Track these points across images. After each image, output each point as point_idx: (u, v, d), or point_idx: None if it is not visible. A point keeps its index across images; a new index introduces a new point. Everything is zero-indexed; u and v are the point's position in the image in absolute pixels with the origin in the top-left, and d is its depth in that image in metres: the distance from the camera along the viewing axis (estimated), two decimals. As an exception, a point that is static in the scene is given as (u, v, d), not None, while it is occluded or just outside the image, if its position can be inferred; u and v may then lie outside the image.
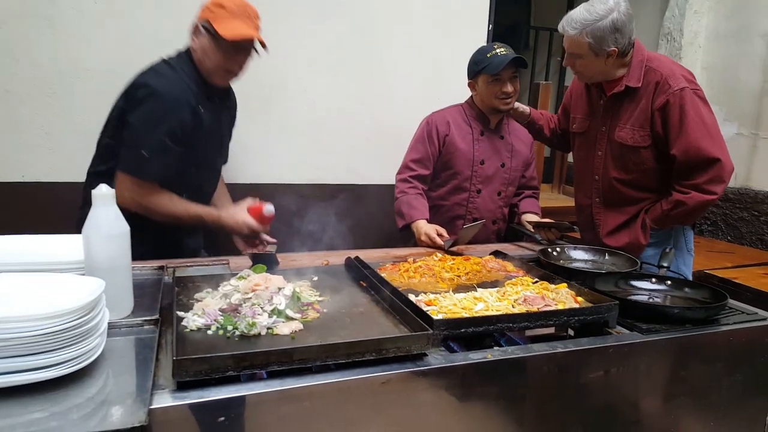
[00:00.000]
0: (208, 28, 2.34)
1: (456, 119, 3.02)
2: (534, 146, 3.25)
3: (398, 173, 3.05)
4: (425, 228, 2.77)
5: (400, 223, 2.94)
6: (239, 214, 2.43)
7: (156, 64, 2.45)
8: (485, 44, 3.03)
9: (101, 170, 2.44)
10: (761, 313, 1.96)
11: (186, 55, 2.47)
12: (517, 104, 2.97)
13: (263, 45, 2.41)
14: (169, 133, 2.31)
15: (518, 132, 3.13)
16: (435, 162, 3.02)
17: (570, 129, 2.89)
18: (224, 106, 2.65)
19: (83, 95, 3.10)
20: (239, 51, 2.39)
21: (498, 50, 2.83)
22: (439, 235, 2.70)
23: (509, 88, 2.86)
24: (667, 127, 2.46)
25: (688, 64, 4.45)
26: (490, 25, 3.96)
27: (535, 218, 3.01)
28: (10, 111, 3.00)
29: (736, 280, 3.03)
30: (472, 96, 3.04)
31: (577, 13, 2.48)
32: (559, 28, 2.57)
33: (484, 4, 3.91)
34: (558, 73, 6.09)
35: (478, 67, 2.87)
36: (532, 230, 2.90)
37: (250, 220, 2.41)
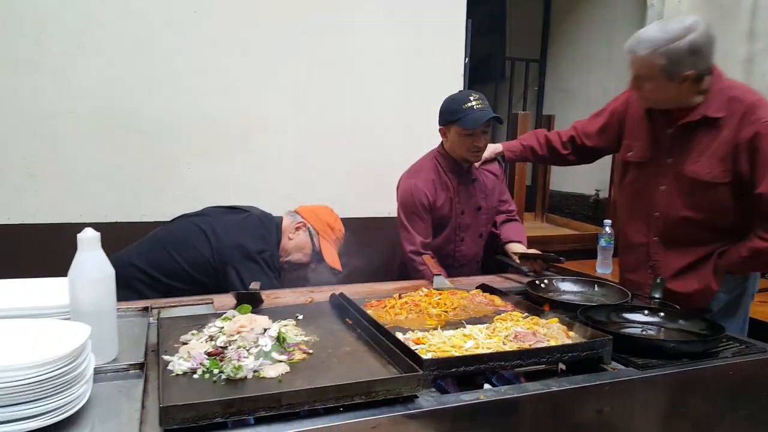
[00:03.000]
0: (313, 237, 2.87)
1: (434, 179, 2.95)
2: (502, 169, 3.23)
3: (411, 252, 2.90)
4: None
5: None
6: None
7: None
8: (459, 91, 3.01)
9: None
10: (760, 344, 1.93)
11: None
12: (485, 154, 2.96)
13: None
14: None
15: (484, 165, 3.11)
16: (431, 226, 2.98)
17: (623, 158, 2.65)
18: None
19: (68, 138, 3.10)
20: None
21: (474, 103, 2.77)
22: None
23: (482, 143, 2.84)
24: (755, 163, 2.23)
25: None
26: (467, 58, 4.01)
27: (520, 248, 2.99)
28: (-5, 154, 2.99)
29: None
30: (442, 143, 3.00)
31: (649, 32, 2.26)
32: (626, 48, 2.34)
33: (459, 36, 3.97)
34: (536, 103, 6.16)
35: (451, 117, 2.82)
36: (518, 262, 2.89)
37: None
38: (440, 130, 2.95)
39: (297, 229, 2.83)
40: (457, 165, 2.96)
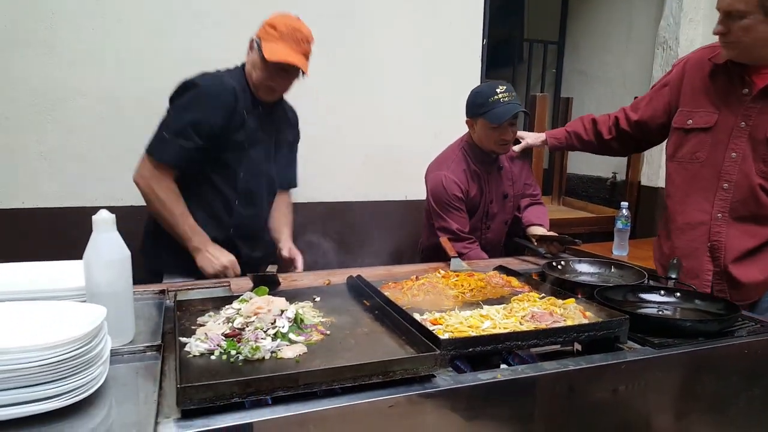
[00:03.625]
0: (259, 45, 2.46)
1: (465, 171, 2.92)
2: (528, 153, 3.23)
3: (450, 239, 2.80)
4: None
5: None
6: (223, 257, 2.50)
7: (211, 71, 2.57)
8: (487, 82, 2.98)
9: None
10: (774, 323, 1.91)
11: (241, 67, 2.59)
12: (526, 140, 2.94)
13: (304, 71, 2.51)
14: (194, 122, 2.40)
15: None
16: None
17: (680, 125, 2.44)
18: (272, 119, 2.69)
19: (81, 120, 3.11)
20: (280, 72, 2.49)
21: (501, 95, 2.76)
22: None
23: (509, 136, 2.84)
24: None
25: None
26: (485, 40, 3.97)
27: (540, 230, 2.98)
28: (8, 137, 3.01)
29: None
30: (469, 133, 2.98)
31: None
32: None
33: (477, 19, 3.93)
34: (553, 85, 6.11)
35: (478, 111, 2.82)
36: (536, 244, 2.87)
37: (228, 265, 2.49)
38: (467, 121, 2.94)
39: (249, 48, 2.55)
40: (485, 155, 2.95)
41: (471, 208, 2.95)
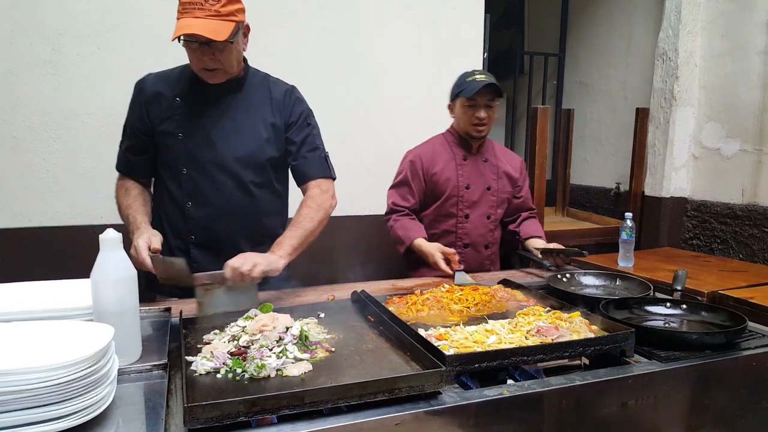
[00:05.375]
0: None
1: (437, 149, 3.03)
2: (525, 168, 3.22)
3: (385, 214, 3.08)
4: (427, 246, 2.78)
5: (402, 249, 2.93)
6: (136, 241, 2.05)
7: None
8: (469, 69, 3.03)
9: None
10: (782, 335, 1.89)
11: None
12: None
13: (212, 39, 2.06)
14: (125, 127, 2.36)
15: (504, 155, 3.14)
16: (423, 195, 3.02)
17: None
18: (227, 104, 2.34)
19: (88, 139, 3.13)
20: (193, 48, 2.14)
21: (477, 75, 2.87)
22: (447, 259, 2.69)
23: (482, 114, 2.86)
24: None
25: (685, 83, 4.48)
26: (485, 53, 3.99)
27: (541, 243, 2.98)
28: (16, 157, 3.03)
29: (753, 300, 2.96)
30: (452, 123, 3.08)
31: None
32: None
33: (478, 32, 3.95)
34: (555, 97, 6.13)
35: (456, 90, 2.93)
36: (540, 256, 2.87)
37: (133, 253, 1.99)
38: (449, 106, 3.04)
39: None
40: (465, 141, 3.01)
41: (441, 188, 2.97)
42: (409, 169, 3.00)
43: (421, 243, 2.83)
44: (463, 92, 2.85)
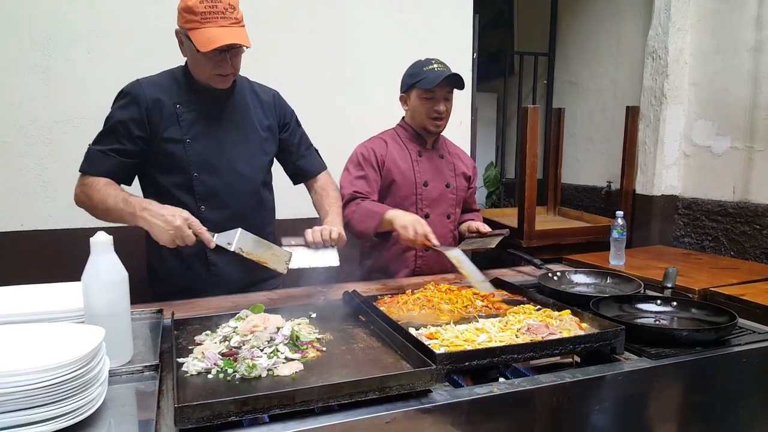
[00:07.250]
0: (187, 36, 2.19)
1: (390, 144, 2.81)
2: (476, 169, 3.11)
3: (345, 204, 2.66)
4: (407, 219, 2.45)
5: (371, 227, 2.54)
6: (176, 218, 2.04)
7: None
8: (423, 58, 2.83)
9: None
10: (773, 331, 1.91)
11: (184, 64, 2.40)
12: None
13: (247, 46, 2.20)
14: (113, 129, 2.26)
15: (458, 152, 3.01)
16: (380, 189, 2.76)
17: None
18: (227, 108, 2.40)
19: (79, 143, 3.10)
20: (223, 55, 2.22)
21: (435, 65, 2.68)
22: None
23: (442, 108, 2.69)
24: None
25: (675, 81, 4.51)
26: (475, 54, 4.00)
27: (476, 224, 2.85)
28: (8, 161, 3.03)
29: (744, 297, 2.98)
30: (403, 117, 2.91)
31: None
32: None
33: (467, 33, 3.97)
34: (545, 96, 6.15)
35: (412, 81, 2.71)
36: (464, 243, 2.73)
37: (182, 225, 2.03)
38: (401, 98, 2.86)
39: (180, 43, 2.31)
40: (419, 136, 2.85)
41: (394, 184, 2.75)
42: (363, 161, 2.75)
43: (396, 215, 2.49)
44: (421, 83, 2.66)
